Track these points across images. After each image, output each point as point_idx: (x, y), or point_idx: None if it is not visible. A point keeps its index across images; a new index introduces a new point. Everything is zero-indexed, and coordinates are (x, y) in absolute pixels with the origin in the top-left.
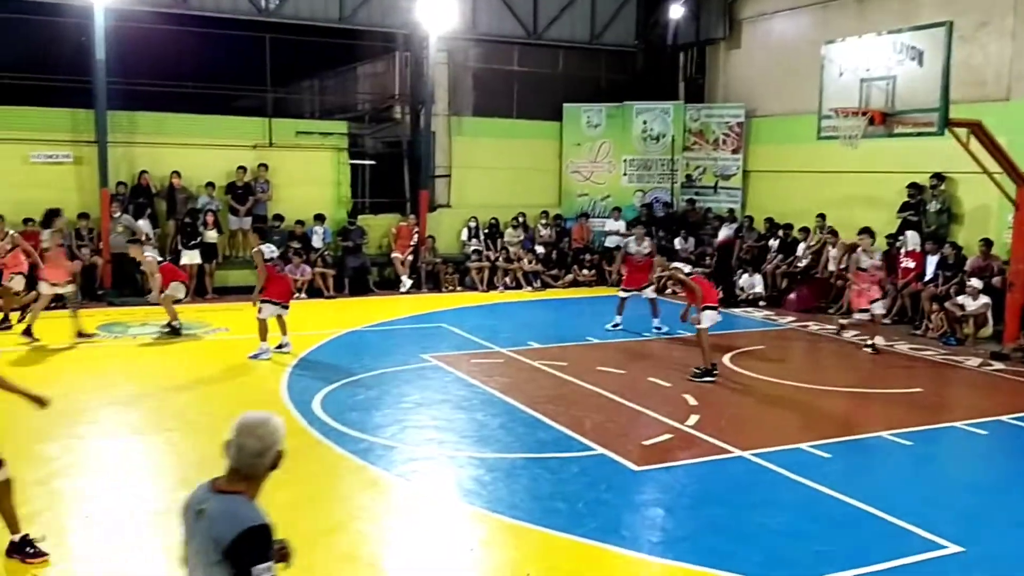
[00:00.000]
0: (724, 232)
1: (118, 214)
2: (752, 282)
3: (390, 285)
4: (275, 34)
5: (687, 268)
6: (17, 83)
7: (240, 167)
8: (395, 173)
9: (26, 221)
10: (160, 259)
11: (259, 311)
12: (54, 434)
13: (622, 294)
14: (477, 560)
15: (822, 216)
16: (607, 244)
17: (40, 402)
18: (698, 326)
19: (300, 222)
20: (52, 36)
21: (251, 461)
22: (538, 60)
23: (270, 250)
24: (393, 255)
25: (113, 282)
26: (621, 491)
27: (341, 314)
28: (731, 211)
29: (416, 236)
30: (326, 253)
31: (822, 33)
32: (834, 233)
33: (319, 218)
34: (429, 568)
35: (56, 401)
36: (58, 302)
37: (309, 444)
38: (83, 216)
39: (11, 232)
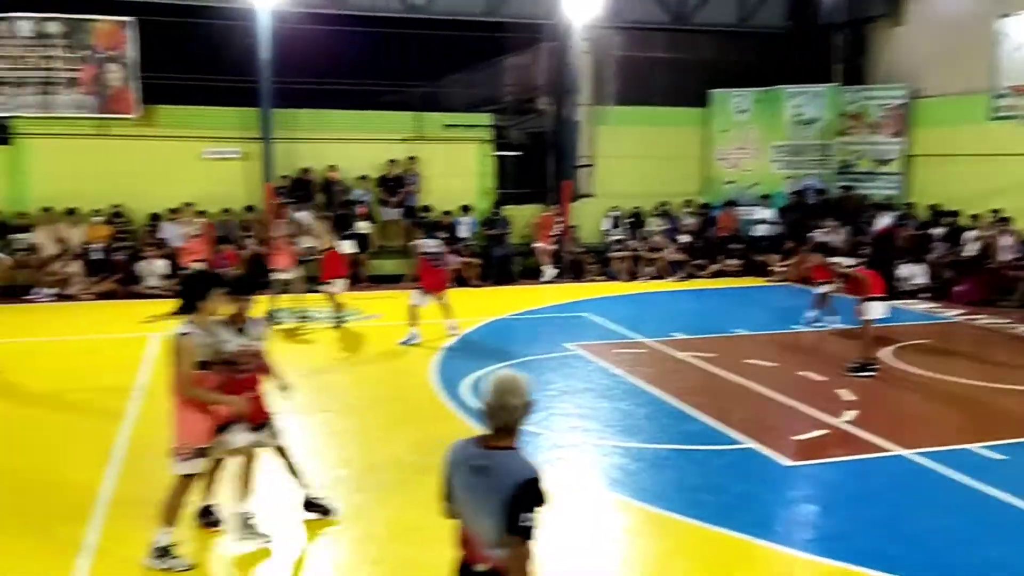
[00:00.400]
0: (883, 220)
1: (290, 210)
2: (913, 272)
3: (533, 275)
4: (424, 30)
5: (847, 261)
6: (191, 84)
7: (391, 160)
8: (539, 163)
9: (199, 214)
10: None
11: (411, 298)
12: None
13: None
14: (623, 548)
15: (996, 211)
16: (754, 233)
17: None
18: (863, 318)
19: (447, 212)
20: (221, 39)
21: (516, 416)
22: (683, 46)
23: (427, 244)
24: (536, 245)
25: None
26: (772, 486)
27: (486, 303)
28: (889, 198)
29: (558, 226)
30: (472, 243)
31: (996, 7)
32: (1005, 221)
33: (465, 209)
34: (575, 554)
35: None
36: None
37: (459, 429)
38: (249, 208)
39: (199, 221)
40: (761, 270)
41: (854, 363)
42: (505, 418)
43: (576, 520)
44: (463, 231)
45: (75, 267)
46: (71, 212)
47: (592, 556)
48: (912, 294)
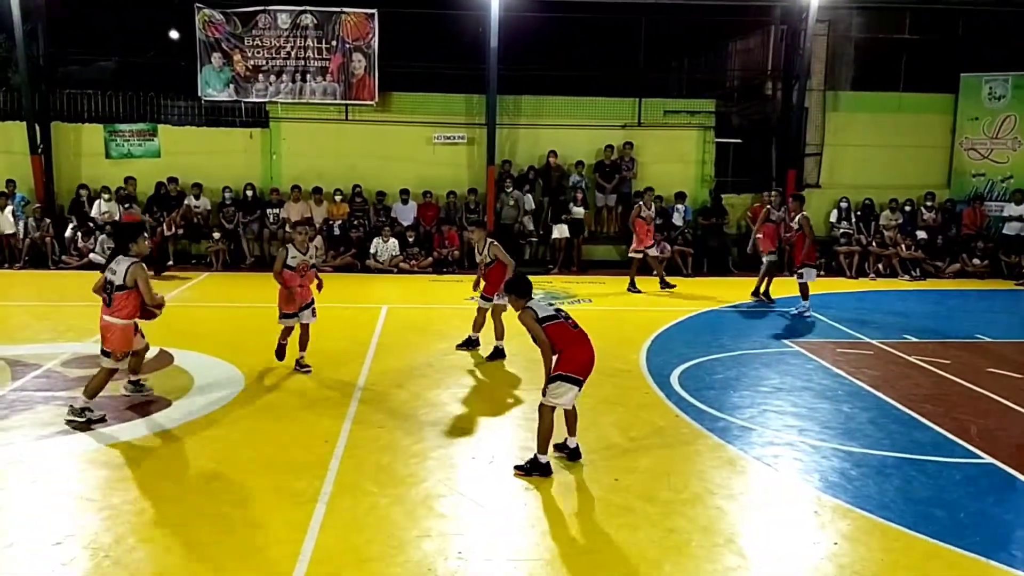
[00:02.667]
0: None
1: (510, 188)
2: None
3: (751, 266)
4: (650, 15)
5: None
6: (423, 72)
7: (607, 146)
8: (761, 151)
9: (425, 194)
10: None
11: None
12: (445, 383)
13: None
14: (841, 554)
15: None
16: (1006, 231)
17: None
18: None
19: (659, 198)
20: (452, 28)
21: None
22: (932, 26)
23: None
24: (755, 235)
25: None
26: (1014, 506)
27: (700, 293)
28: None
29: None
30: (686, 231)
31: None
32: None
33: (679, 196)
34: (789, 555)
35: (444, 355)
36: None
37: (668, 417)
38: (472, 191)
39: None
40: (1011, 272)
41: None
42: None
43: (790, 519)
44: (676, 218)
45: (318, 241)
46: (317, 191)
47: (809, 562)
48: None
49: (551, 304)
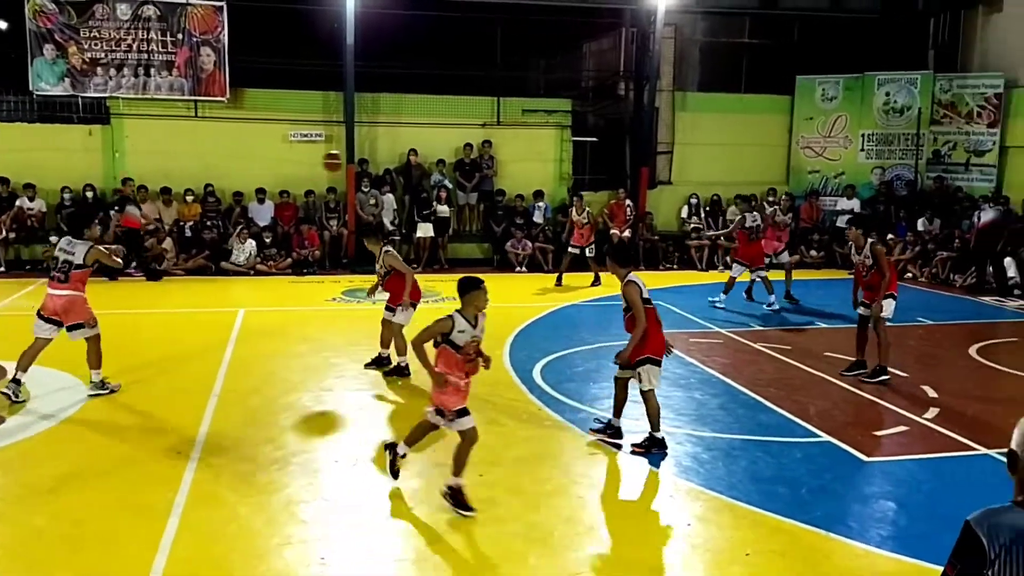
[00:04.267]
0: (988, 214)
1: (368, 188)
2: (1007, 267)
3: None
4: (507, 15)
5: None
6: (277, 68)
7: (467, 144)
8: (616, 150)
9: (281, 194)
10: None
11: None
12: (307, 385)
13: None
14: (694, 535)
15: None
16: (839, 224)
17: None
18: (880, 315)
19: (519, 196)
20: (307, 23)
21: None
22: (770, 31)
23: (749, 218)
24: (611, 232)
25: (356, 252)
26: (849, 481)
27: (560, 288)
28: (997, 191)
29: (630, 213)
30: (546, 228)
31: None
32: None
33: (538, 194)
34: (646, 539)
35: (305, 357)
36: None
37: (531, 411)
38: (331, 190)
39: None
40: (844, 263)
41: (861, 368)
42: None
43: (648, 505)
44: (537, 216)
45: (167, 244)
46: (165, 191)
47: (663, 544)
48: (1008, 290)
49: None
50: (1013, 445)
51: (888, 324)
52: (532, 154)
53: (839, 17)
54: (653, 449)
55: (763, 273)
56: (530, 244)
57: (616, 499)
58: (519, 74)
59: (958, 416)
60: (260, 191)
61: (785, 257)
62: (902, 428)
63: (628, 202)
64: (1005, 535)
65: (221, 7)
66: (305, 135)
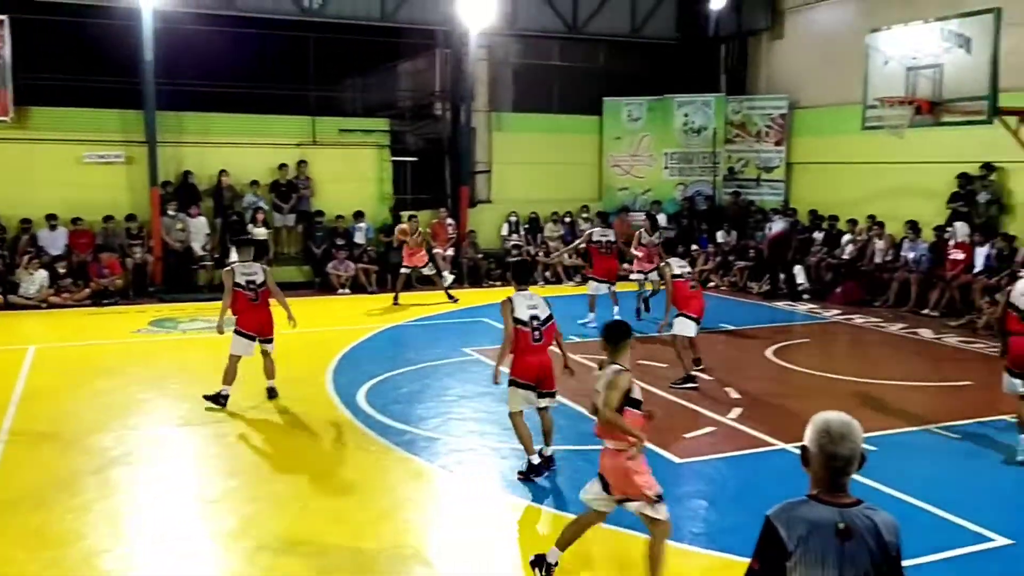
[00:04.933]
0: (778, 225)
1: (174, 212)
2: (796, 274)
3: (432, 280)
4: (318, 33)
5: (678, 268)
6: (70, 85)
7: (282, 164)
8: (437, 169)
9: (75, 220)
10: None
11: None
12: (109, 425)
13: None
14: (521, 550)
15: (872, 217)
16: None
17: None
18: (667, 332)
19: (340, 217)
20: (103, 39)
21: (857, 466)
22: (578, 54)
23: (596, 232)
24: (434, 251)
25: (164, 279)
26: (662, 483)
27: (384, 309)
28: (785, 204)
29: (452, 231)
30: (369, 249)
31: (867, 22)
32: (880, 225)
33: (359, 215)
34: (473, 556)
35: (109, 394)
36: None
37: (355, 436)
38: (130, 218)
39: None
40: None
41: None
42: (851, 469)
43: (474, 522)
44: (359, 237)
45: None
46: None
47: (489, 558)
48: (797, 295)
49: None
50: (806, 441)
51: (697, 332)
52: (351, 174)
53: (640, 42)
54: (531, 475)
55: (612, 288)
56: (352, 265)
57: (443, 520)
58: (334, 93)
59: (759, 414)
60: (51, 217)
61: (655, 275)
62: (709, 429)
63: (450, 221)
64: (802, 527)
65: (2, 21)
66: (102, 156)
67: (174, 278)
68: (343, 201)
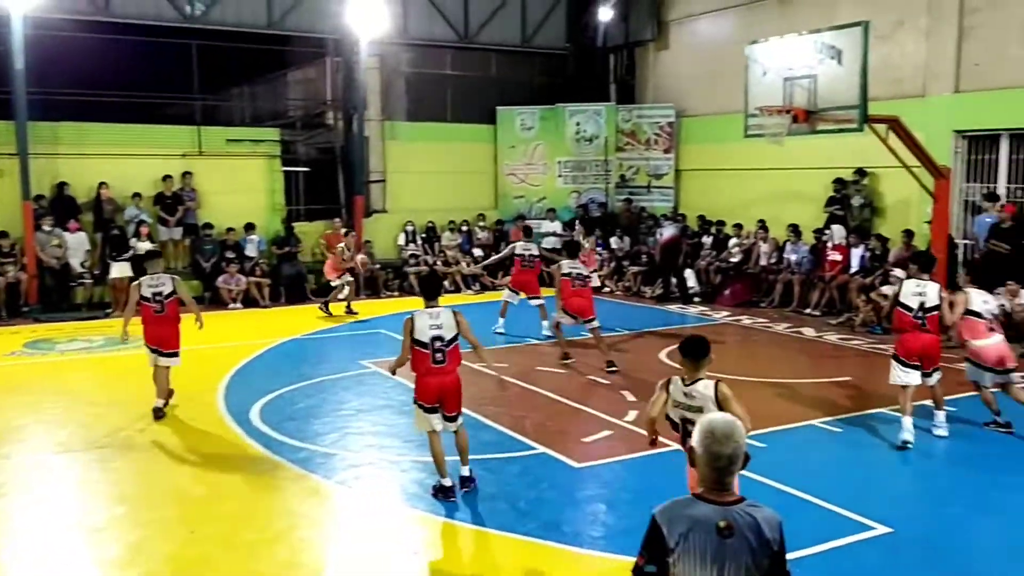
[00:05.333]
0: (669, 230)
1: (50, 228)
2: (687, 278)
3: (328, 292)
4: (202, 40)
5: (567, 268)
6: None
7: (166, 176)
8: (330, 179)
9: None
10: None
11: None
12: None
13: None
14: (421, 562)
15: (761, 221)
16: (544, 245)
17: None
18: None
19: (230, 229)
20: None
21: (741, 465)
22: (471, 64)
23: (518, 247)
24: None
25: (40, 298)
26: (562, 488)
27: (278, 323)
28: (675, 210)
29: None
30: (261, 262)
31: (746, 34)
32: (765, 229)
33: (249, 227)
34: (373, 572)
35: None
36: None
37: (248, 456)
38: (2, 235)
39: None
40: (551, 281)
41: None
42: (735, 468)
43: (373, 538)
44: (250, 250)
45: None
46: None
47: (389, 573)
48: (688, 298)
49: None
50: (693, 442)
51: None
52: (240, 185)
53: (532, 52)
54: (442, 496)
55: (540, 301)
56: (244, 279)
57: (340, 537)
58: (221, 102)
59: None
60: None
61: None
62: (607, 432)
63: (344, 231)
64: (683, 524)
65: None
66: None
67: (50, 297)
68: (232, 213)
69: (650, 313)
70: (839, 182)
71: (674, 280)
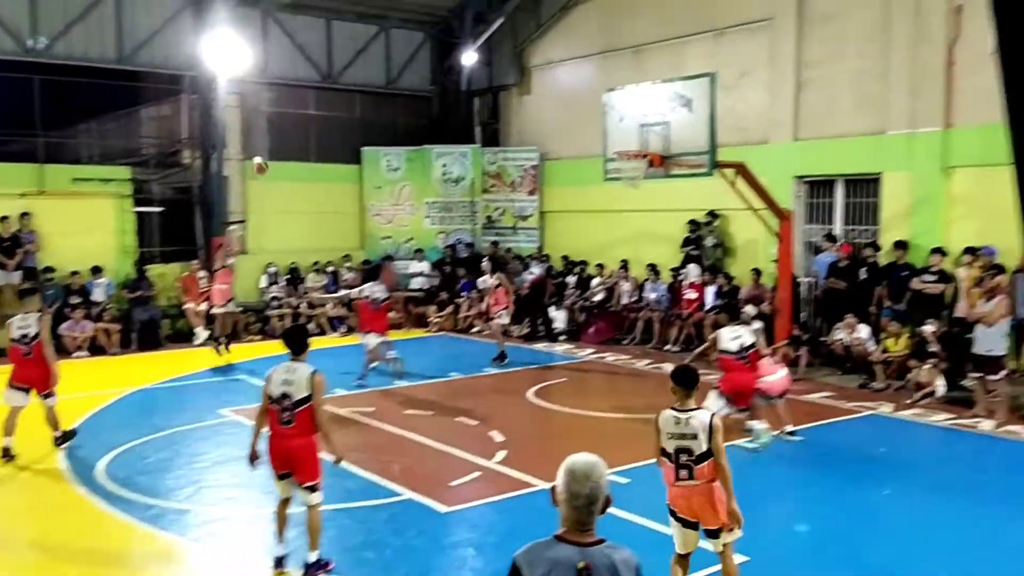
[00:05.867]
0: (535, 271)
1: None
2: (554, 317)
3: (185, 338)
4: (46, 75)
5: (368, 292)
6: None
7: (3, 217)
8: (187, 220)
9: None
10: None
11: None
12: None
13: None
14: None
15: (624, 261)
16: (412, 286)
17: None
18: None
19: (75, 273)
20: None
21: (603, 506)
22: (335, 104)
23: (366, 289)
24: (185, 306)
25: None
26: (430, 535)
27: (129, 372)
28: (540, 250)
29: (205, 285)
30: (110, 307)
31: (604, 81)
32: (625, 268)
33: (96, 270)
34: None
35: None
36: None
37: (93, 515)
38: None
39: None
40: (419, 321)
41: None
42: (595, 509)
43: None
44: (98, 294)
45: None
46: None
47: None
48: (554, 337)
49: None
50: (556, 482)
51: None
52: (86, 226)
53: (396, 93)
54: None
55: (392, 353)
56: (90, 325)
57: None
58: (67, 140)
59: (522, 456)
60: None
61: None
62: (475, 474)
63: (203, 274)
64: (543, 567)
65: None
66: None
67: None
68: (79, 255)
69: (517, 352)
70: (693, 223)
71: (540, 319)
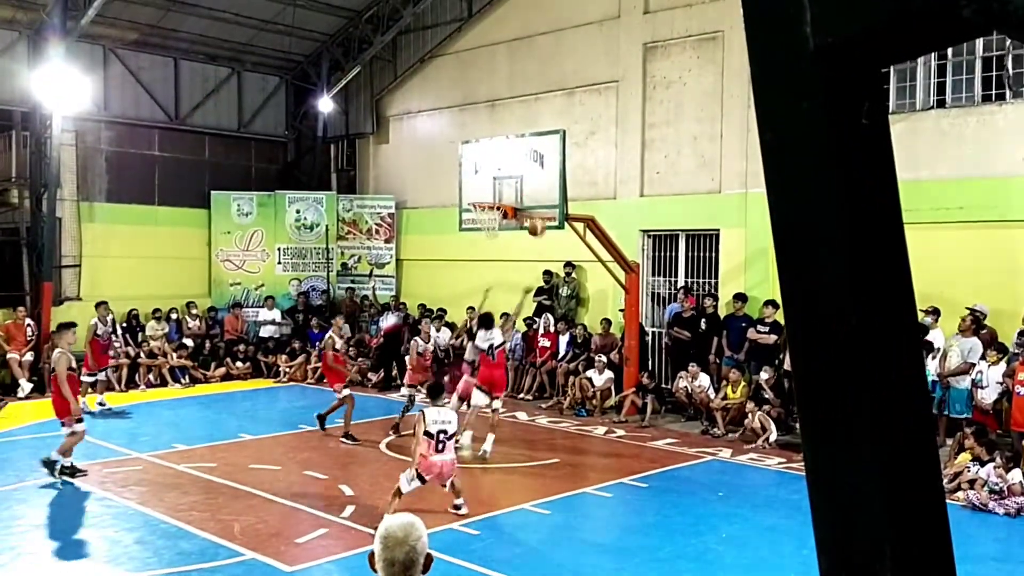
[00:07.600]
0: (391, 319)
1: None
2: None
3: (7, 390)
4: None
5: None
6: None
7: None
8: (14, 263)
9: None
10: None
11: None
12: None
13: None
14: None
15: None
16: (262, 334)
17: None
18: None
19: None
20: None
21: (424, 566)
22: (182, 146)
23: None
24: (8, 356)
25: None
26: None
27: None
28: (396, 298)
29: (32, 333)
30: None
31: (460, 133)
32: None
33: None
34: None
35: None
36: None
37: None
38: None
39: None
40: (269, 371)
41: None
42: (413, 573)
43: None
44: None
45: None
46: None
47: None
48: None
49: None
50: (374, 546)
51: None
52: None
53: (248, 137)
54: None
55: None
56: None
57: None
58: None
59: (372, 510)
60: None
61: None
62: (322, 531)
63: (29, 322)
64: None
65: None
66: None
67: None
68: None
69: (371, 402)
70: (548, 273)
71: (396, 368)
